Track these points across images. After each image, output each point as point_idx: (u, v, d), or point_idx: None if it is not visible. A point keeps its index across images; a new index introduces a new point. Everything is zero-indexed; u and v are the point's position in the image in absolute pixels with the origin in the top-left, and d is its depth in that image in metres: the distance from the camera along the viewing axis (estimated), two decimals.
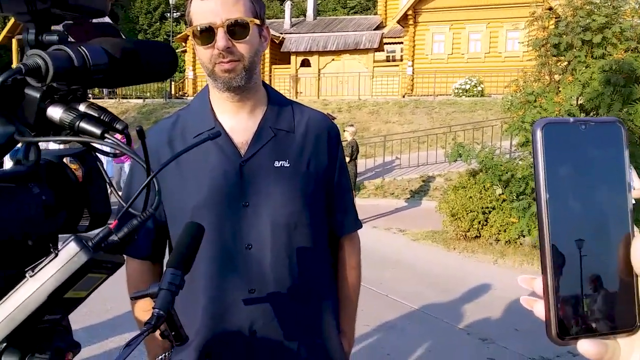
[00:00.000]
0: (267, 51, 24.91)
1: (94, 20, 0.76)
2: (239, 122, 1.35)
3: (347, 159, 9.23)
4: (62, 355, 0.65)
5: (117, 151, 0.67)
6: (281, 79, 24.56)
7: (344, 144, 9.24)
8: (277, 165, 1.33)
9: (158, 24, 39.03)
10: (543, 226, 0.47)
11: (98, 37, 0.69)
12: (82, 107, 0.65)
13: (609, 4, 6.89)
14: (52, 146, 0.73)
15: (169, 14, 30.84)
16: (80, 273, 0.61)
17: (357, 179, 10.45)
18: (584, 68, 6.78)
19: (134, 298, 0.92)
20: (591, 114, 6.89)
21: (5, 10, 0.65)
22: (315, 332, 1.41)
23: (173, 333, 0.88)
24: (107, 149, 0.66)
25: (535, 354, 4.10)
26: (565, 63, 7.17)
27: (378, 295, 5.49)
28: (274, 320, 1.32)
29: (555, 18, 8.06)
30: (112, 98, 24.36)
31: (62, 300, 0.63)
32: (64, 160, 0.73)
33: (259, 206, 1.31)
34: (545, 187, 0.47)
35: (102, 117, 0.65)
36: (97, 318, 4.53)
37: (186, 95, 25.96)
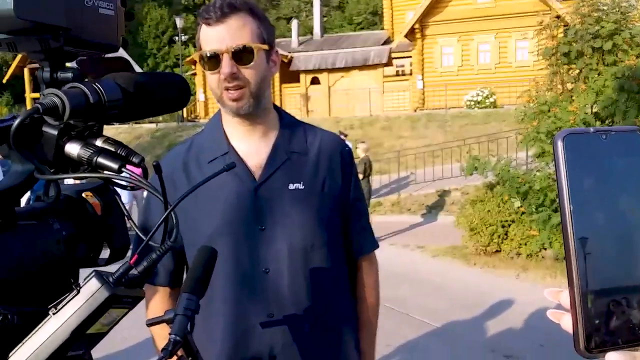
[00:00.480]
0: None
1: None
2: (251, 146, 1.36)
3: (361, 176, 9.25)
4: None
5: (135, 185, 0.68)
6: (291, 98, 24.71)
7: (356, 161, 9.23)
8: (292, 187, 1.33)
9: (167, 47, 39.57)
10: (568, 238, 0.47)
11: (110, 70, 0.70)
12: (98, 142, 0.67)
13: (617, 10, 6.86)
14: (68, 180, 0.75)
15: (177, 38, 31.27)
16: (102, 309, 0.62)
17: (372, 196, 10.41)
18: (596, 75, 6.73)
19: (150, 324, 0.94)
20: (607, 122, 6.82)
21: (20, 49, 0.67)
22: (335, 356, 1.40)
23: (190, 359, 0.89)
24: (125, 183, 0.68)
25: None
26: (577, 71, 7.13)
27: (399, 314, 5.43)
28: (294, 344, 1.31)
29: (564, 26, 8.03)
30: (124, 124, 24.63)
31: (84, 336, 0.63)
32: (83, 195, 0.74)
33: (275, 229, 1.32)
34: (568, 199, 0.46)
35: (118, 152, 0.66)
36: (114, 347, 4.53)
37: (198, 118, 26.22)
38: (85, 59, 0.72)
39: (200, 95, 26.62)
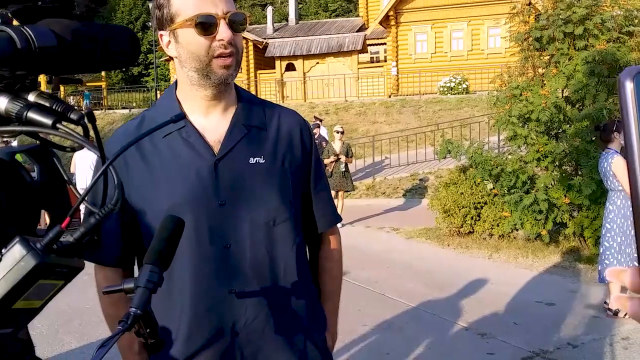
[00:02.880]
0: (252, 56, 24.93)
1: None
2: (210, 121, 1.32)
3: (348, 159, 9.37)
4: None
5: (75, 144, 0.60)
6: (267, 84, 24.55)
7: (338, 145, 9.29)
8: (252, 161, 1.31)
9: (140, 33, 38.85)
10: (638, 201, 0.40)
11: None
12: (31, 97, 0.59)
13: None
14: None
15: (150, 23, 30.76)
16: (28, 280, 0.54)
17: None
18: (567, 60, 6.84)
19: (107, 292, 0.86)
20: (577, 105, 6.95)
21: None
22: (299, 330, 1.38)
23: (148, 330, 0.82)
24: (62, 140, 0.59)
25: (535, 347, 4.11)
26: (549, 56, 7.22)
27: (374, 294, 5.48)
28: (256, 319, 1.29)
29: (535, 13, 8.12)
30: (97, 110, 24.20)
31: (11, 312, 0.55)
32: (16, 157, 0.66)
33: (236, 204, 1.29)
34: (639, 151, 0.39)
35: (54, 107, 0.59)
36: (93, 330, 4.48)
37: None
38: (20, 6, 0.62)
39: (174, 81, 26.22)
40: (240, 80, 24.21)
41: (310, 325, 1.41)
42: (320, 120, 12.44)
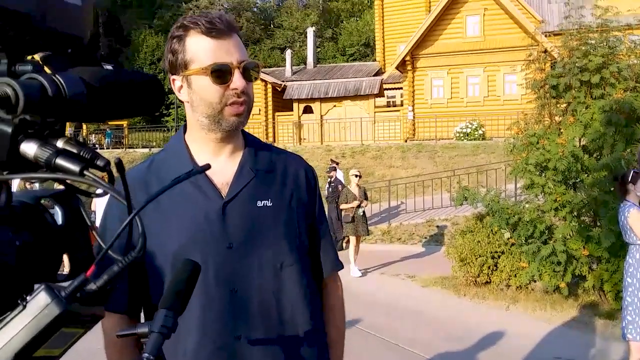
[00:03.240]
0: (270, 98, 25.33)
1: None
2: (218, 164, 1.32)
3: (365, 203, 9.45)
4: None
5: (100, 190, 0.60)
6: (284, 126, 24.83)
7: (355, 189, 9.32)
8: (260, 204, 1.31)
9: (162, 74, 39.75)
10: None
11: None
12: (59, 143, 0.60)
13: (605, 44, 6.98)
14: (15, 187, 0.64)
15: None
16: (52, 328, 0.55)
17: None
18: (584, 109, 6.81)
19: (121, 336, 0.87)
20: (595, 155, 6.88)
21: None
22: None
23: None
24: (90, 188, 0.60)
25: None
26: (565, 104, 7.21)
27: (387, 343, 5.35)
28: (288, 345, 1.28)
29: (551, 61, 8.16)
30: (118, 148, 24.60)
31: (31, 359, 0.55)
32: (42, 202, 0.67)
33: (244, 248, 1.28)
34: None
35: (81, 154, 0.59)
36: None
37: None
38: (49, 54, 0.64)
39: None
40: (258, 121, 24.55)
41: None
42: (337, 164, 12.49)
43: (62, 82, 0.58)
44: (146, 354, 0.75)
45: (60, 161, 0.58)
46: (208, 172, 1.29)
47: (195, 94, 1.26)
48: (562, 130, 6.97)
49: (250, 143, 1.39)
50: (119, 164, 0.62)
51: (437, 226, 12.14)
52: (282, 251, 1.31)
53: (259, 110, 24.89)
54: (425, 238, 11.74)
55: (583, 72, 6.87)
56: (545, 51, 9.28)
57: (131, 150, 22.59)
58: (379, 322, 5.94)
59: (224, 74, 1.23)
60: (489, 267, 7.33)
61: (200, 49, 1.24)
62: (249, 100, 1.28)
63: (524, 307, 6.68)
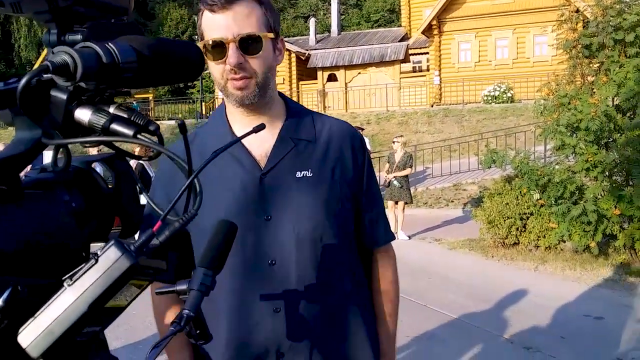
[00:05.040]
0: (294, 68, 25.18)
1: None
2: (256, 135, 1.26)
3: (409, 170, 9.19)
4: None
5: (151, 153, 0.64)
6: (309, 95, 24.72)
7: (400, 155, 9.09)
8: (299, 175, 1.27)
9: None
10: None
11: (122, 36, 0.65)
12: (111, 110, 0.63)
13: None
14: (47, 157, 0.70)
15: (196, 37, 31.59)
16: (122, 280, 0.58)
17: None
18: (617, 68, 6.64)
19: (160, 293, 0.88)
20: (628, 114, 6.74)
21: (26, 10, 0.61)
22: (347, 353, 1.32)
23: (198, 332, 0.84)
24: (139, 151, 0.64)
25: None
26: (598, 64, 7.04)
27: (417, 305, 5.43)
28: (302, 341, 1.24)
29: (583, 20, 7.94)
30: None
31: (102, 310, 0.59)
32: (93, 166, 0.70)
33: (282, 219, 1.25)
34: None
35: (132, 119, 0.62)
36: (139, 335, 4.58)
37: None
38: (95, 23, 0.66)
39: (219, 93, 26.70)
40: (283, 90, 24.48)
41: (360, 349, 1.34)
42: (362, 130, 12.45)
43: (116, 50, 0.60)
44: (186, 310, 0.77)
45: (115, 126, 0.60)
46: (247, 144, 1.27)
47: (209, 68, 1.25)
48: (594, 90, 6.83)
49: (292, 111, 1.34)
50: (182, 125, 0.65)
51: (464, 189, 12.08)
52: (322, 224, 1.27)
53: (283, 79, 24.79)
54: (452, 202, 11.70)
55: (617, 30, 6.68)
56: (577, 10, 9.01)
57: (157, 122, 22.80)
58: (406, 285, 5.98)
59: (218, 49, 1.19)
60: (517, 229, 7.31)
61: (202, 24, 1.23)
62: (251, 75, 1.21)
63: (553, 267, 6.68)
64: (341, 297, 1.30)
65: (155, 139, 0.63)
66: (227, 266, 1.18)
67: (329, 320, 1.28)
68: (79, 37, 0.62)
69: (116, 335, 4.66)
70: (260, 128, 0.88)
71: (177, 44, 0.71)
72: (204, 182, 1.27)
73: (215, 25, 1.19)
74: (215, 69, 1.23)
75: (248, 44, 1.19)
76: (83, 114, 0.61)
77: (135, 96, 28.92)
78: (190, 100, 30.12)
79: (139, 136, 0.60)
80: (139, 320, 4.95)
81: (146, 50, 0.64)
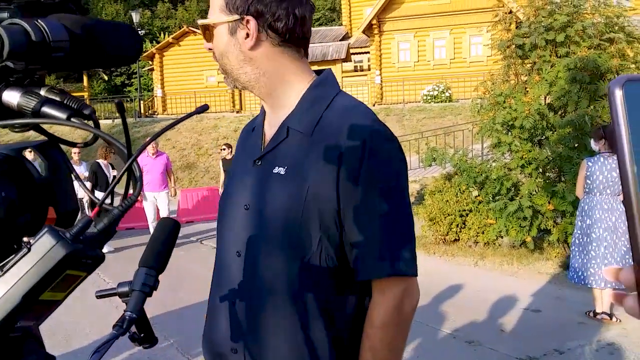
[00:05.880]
0: None
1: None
2: (271, 120, 1.27)
3: None
4: None
5: (87, 139, 0.60)
6: (251, 93, 24.46)
7: None
8: (275, 171, 1.17)
9: None
10: (631, 203, 0.40)
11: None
12: (42, 92, 0.59)
13: (570, 2, 7.05)
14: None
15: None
16: (58, 269, 0.54)
17: None
18: (549, 67, 6.90)
19: (100, 297, 0.84)
20: (559, 112, 7.00)
21: None
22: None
23: (142, 335, 0.81)
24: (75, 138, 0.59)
25: (523, 354, 4.09)
26: (531, 63, 7.29)
27: None
28: (249, 341, 1.18)
29: (516, 21, 8.21)
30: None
31: (37, 303, 0.55)
32: (24, 153, 0.65)
33: (255, 212, 1.19)
34: (631, 158, 0.40)
35: (65, 102, 0.59)
36: (77, 343, 4.38)
37: (156, 113, 25.68)
38: (23, 1, 0.62)
39: (158, 91, 26.06)
40: (224, 89, 24.16)
41: (316, 354, 1.17)
42: None
43: (46, 27, 0.56)
44: (128, 312, 0.73)
45: (46, 109, 0.57)
46: (265, 127, 1.28)
47: None
48: (528, 89, 7.06)
49: (304, 97, 1.21)
50: (120, 104, 0.61)
51: None
52: (286, 229, 1.15)
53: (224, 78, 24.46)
54: None
55: (548, 31, 6.94)
56: (511, 12, 9.31)
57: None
58: None
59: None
60: (457, 225, 7.48)
61: None
62: (223, 60, 1.22)
63: (492, 263, 6.86)
64: (302, 307, 1.16)
65: (90, 123, 0.59)
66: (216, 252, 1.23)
67: (274, 321, 1.17)
68: (5, 14, 0.59)
69: (52, 344, 4.43)
70: (204, 109, 0.80)
71: (113, 25, 0.68)
72: (234, 163, 1.33)
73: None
74: None
75: (205, 33, 1.22)
76: (11, 97, 0.58)
77: (71, 94, 27.73)
78: (128, 99, 29.23)
79: (72, 119, 0.57)
80: (77, 327, 4.74)
81: (78, 29, 0.60)
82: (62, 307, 0.62)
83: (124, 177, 0.64)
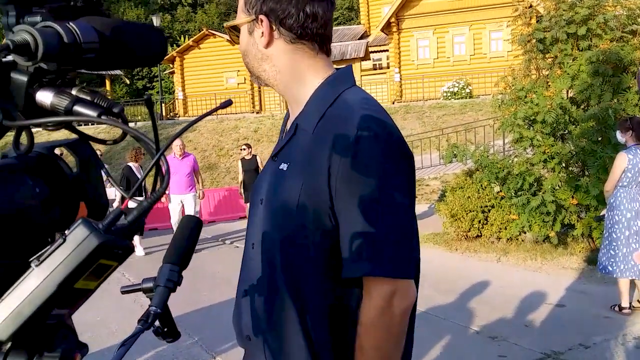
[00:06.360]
0: None
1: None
2: (291, 114, 1.31)
3: None
4: (72, 355, 0.61)
5: (116, 137, 0.62)
6: (270, 94, 24.61)
7: None
8: (281, 167, 1.21)
9: None
10: None
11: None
12: (74, 92, 0.62)
13: None
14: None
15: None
16: (91, 259, 0.57)
17: None
18: (571, 61, 6.82)
19: (125, 292, 0.87)
20: (582, 106, 6.92)
21: None
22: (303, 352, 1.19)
23: (166, 329, 0.83)
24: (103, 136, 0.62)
25: (547, 349, 4.06)
26: (552, 57, 7.21)
27: None
28: (259, 330, 1.22)
29: (537, 15, 8.12)
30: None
31: (71, 292, 0.58)
32: (56, 151, 0.68)
33: (267, 206, 1.23)
34: None
35: (95, 100, 0.61)
36: (104, 342, 4.47)
37: (177, 116, 25.96)
38: (54, 4, 0.65)
39: (179, 94, 26.34)
40: (244, 90, 24.32)
41: (315, 351, 1.17)
42: None
43: (77, 29, 0.59)
44: (153, 307, 0.75)
45: (78, 108, 0.59)
46: (288, 123, 1.32)
47: None
48: (549, 83, 6.99)
49: (315, 94, 1.22)
50: (149, 100, 0.64)
51: (427, 185, 12.23)
52: (286, 224, 1.18)
53: (244, 79, 24.63)
54: (416, 197, 11.78)
55: (569, 24, 6.85)
56: (531, 6, 9.22)
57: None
58: None
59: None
60: (479, 222, 7.43)
61: None
62: (245, 59, 1.28)
63: (515, 258, 6.81)
64: (302, 303, 1.17)
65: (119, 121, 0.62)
66: None
67: (272, 314, 1.20)
68: (38, 18, 0.61)
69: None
70: (227, 104, 0.82)
71: (139, 27, 0.70)
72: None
73: None
74: None
75: (232, 35, 1.31)
76: (45, 97, 0.60)
77: (100, 93, 28.09)
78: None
79: (103, 117, 0.59)
80: (103, 327, 4.84)
81: (108, 31, 0.63)
82: (88, 307, 0.64)
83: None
